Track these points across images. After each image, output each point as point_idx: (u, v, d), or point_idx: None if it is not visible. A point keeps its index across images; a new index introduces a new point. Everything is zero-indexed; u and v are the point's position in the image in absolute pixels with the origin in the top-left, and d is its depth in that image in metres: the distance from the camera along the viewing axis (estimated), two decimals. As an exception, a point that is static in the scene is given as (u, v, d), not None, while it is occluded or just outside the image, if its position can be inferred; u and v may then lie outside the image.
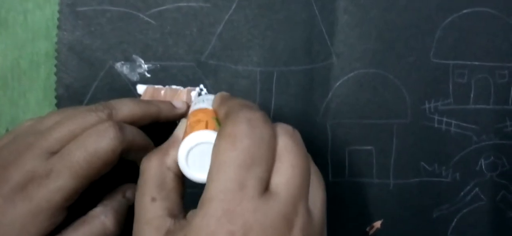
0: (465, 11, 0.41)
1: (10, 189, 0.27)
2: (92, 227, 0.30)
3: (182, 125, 0.31)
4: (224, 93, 0.33)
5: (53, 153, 0.29)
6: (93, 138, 0.29)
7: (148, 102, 0.35)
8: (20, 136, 0.30)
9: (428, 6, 0.40)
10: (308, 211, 0.25)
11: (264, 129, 0.25)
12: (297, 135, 0.27)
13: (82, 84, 0.38)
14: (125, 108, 0.32)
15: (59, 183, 0.28)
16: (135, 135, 0.31)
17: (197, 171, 0.28)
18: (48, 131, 0.30)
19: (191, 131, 0.28)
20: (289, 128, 0.27)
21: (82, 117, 0.30)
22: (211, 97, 0.33)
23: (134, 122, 0.32)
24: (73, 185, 0.28)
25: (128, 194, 0.32)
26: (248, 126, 0.25)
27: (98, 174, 0.29)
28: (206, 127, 0.28)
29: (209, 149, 0.26)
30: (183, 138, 0.28)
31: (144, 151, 0.31)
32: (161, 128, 0.34)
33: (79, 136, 0.29)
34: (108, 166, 0.29)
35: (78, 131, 0.30)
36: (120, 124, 0.30)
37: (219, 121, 0.29)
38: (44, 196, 0.27)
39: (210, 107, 0.32)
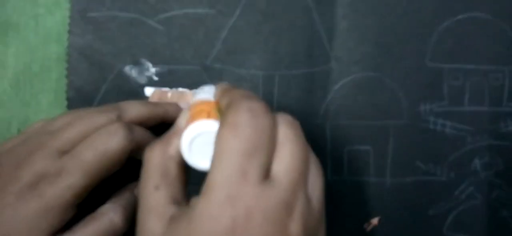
0: (460, 16, 0.41)
1: (22, 187, 0.27)
2: (100, 223, 0.29)
3: (184, 115, 0.30)
4: (225, 83, 0.32)
5: (64, 152, 0.29)
6: (103, 138, 0.29)
7: (155, 104, 0.35)
8: (32, 136, 0.30)
9: (425, 12, 0.41)
10: (307, 198, 0.25)
11: (265, 118, 0.25)
12: (297, 124, 0.26)
13: (92, 87, 0.39)
14: (133, 109, 0.33)
15: (69, 181, 0.28)
16: (144, 135, 0.32)
17: (200, 160, 0.27)
18: (59, 132, 0.30)
19: (193, 121, 0.28)
20: (289, 117, 0.27)
21: (92, 118, 0.30)
22: (212, 88, 0.32)
23: (142, 123, 0.33)
24: (83, 184, 0.28)
25: (136, 191, 0.32)
26: (250, 115, 0.25)
27: (107, 173, 0.29)
28: (208, 117, 0.28)
29: (211, 138, 0.25)
30: (185, 127, 0.28)
31: None
32: (168, 129, 0.34)
33: (90, 136, 0.29)
34: (117, 165, 0.30)
35: (88, 131, 0.30)
36: (129, 125, 0.30)
37: (221, 111, 0.29)
38: (55, 193, 0.27)
39: (211, 98, 0.31)
